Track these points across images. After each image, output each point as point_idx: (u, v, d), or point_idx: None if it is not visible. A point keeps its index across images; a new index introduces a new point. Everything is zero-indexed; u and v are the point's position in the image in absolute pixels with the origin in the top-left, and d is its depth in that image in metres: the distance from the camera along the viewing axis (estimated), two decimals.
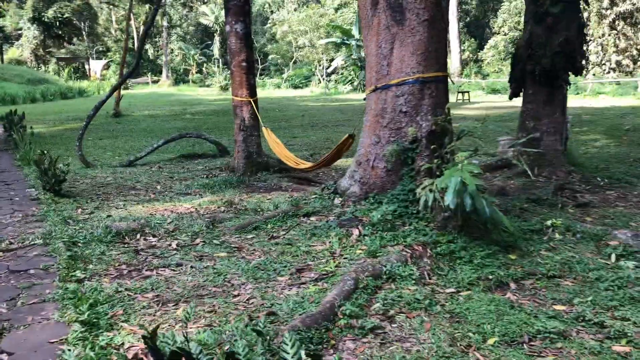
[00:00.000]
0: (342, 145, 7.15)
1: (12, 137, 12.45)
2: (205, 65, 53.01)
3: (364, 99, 6.56)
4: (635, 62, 30.37)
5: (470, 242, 5.09)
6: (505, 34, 38.75)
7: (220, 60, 50.97)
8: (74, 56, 52.68)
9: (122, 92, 20.99)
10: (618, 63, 30.25)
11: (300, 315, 3.61)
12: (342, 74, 41.39)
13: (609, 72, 30.18)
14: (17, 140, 11.51)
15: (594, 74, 29.79)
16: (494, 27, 41.24)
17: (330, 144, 12.78)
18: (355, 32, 37.10)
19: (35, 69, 47.40)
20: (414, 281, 4.35)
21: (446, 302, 4.06)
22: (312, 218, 5.97)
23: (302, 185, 8.51)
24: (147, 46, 54.66)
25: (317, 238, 5.37)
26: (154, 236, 5.49)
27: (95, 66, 51.38)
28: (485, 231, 5.28)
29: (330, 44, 41.67)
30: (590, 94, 26.49)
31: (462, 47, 38.16)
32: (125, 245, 5.22)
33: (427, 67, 5.78)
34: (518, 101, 9.54)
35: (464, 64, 37.27)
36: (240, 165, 9.22)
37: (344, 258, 4.84)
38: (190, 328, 3.46)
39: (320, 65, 45.13)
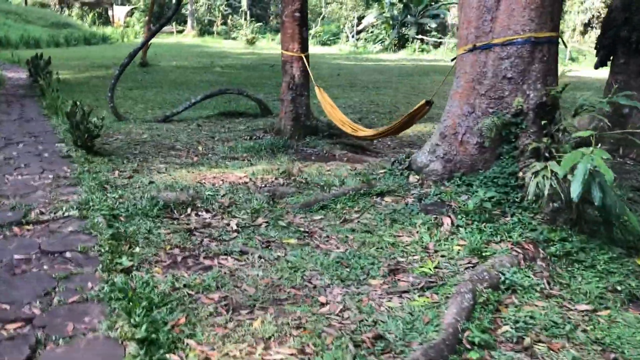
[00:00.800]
0: (415, 112, 6.20)
1: (38, 82, 11.60)
2: (230, 17, 51.50)
3: (453, 60, 5.59)
4: None
5: (586, 241, 4.21)
6: None
7: (248, 12, 49.46)
8: (97, 1, 51.39)
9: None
10: None
11: (416, 342, 2.77)
12: (372, 32, 39.80)
13: None
14: (44, 87, 10.66)
15: None
16: None
17: (377, 107, 11.81)
18: None
19: (59, 12, 46.28)
20: (538, 294, 3.49)
21: (586, 325, 3.20)
22: (387, 199, 5.09)
23: (357, 154, 7.60)
24: None
25: (400, 226, 4.50)
26: (207, 211, 4.66)
27: (118, 12, 50.07)
28: (604, 228, 4.38)
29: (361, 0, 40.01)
30: None
31: None
32: (176, 222, 4.39)
33: (541, 25, 4.77)
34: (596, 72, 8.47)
35: None
36: (287, 128, 8.31)
37: (441, 256, 3.97)
38: (278, 354, 2.64)
39: (349, 23, 43.51)
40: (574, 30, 31.25)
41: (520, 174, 4.75)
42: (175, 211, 4.59)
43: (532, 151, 4.74)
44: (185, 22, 51.21)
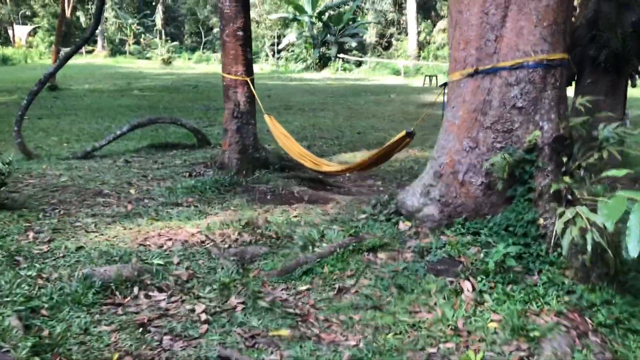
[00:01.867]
0: (394, 145, 5.38)
1: None
2: (143, 36, 49.34)
3: (442, 86, 4.82)
4: None
5: (633, 302, 3.50)
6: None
7: (163, 31, 47.58)
8: None
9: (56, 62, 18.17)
10: None
11: None
12: (293, 51, 39.23)
13: None
14: None
15: None
16: (442, 11, 39.89)
17: (320, 131, 10.96)
18: (307, 7, 35.04)
19: None
20: None
21: None
22: (381, 255, 4.19)
23: (318, 191, 6.68)
24: (79, 13, 50.34)
25: (411, 296, 3.60)
26: (160, 290, 3.56)
27: (20, 32, 46.69)
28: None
29: (279, 19, 39.40)
30: None
31: (418, 28, 36.80)
32: (120, 311, 3.27)
33: (554, 45, 4.09)
34: None
35: (420, 45, 35.93)
36: (234, 162, 7.26)
37: (479, 340, 3.10)
38: None
39: (268, 42, 42.76)
40: None
41: (541, 221, 4.00)
42: (117, 293, 3.46)
43: (553, 194, 4.00)
44: (95, 42, 48.57)
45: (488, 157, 4.20)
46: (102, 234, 4.60)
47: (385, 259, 4.13)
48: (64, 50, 15.61)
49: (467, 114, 4.29)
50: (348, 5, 37.30)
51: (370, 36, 40.64)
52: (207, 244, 4.36)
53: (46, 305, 3.21)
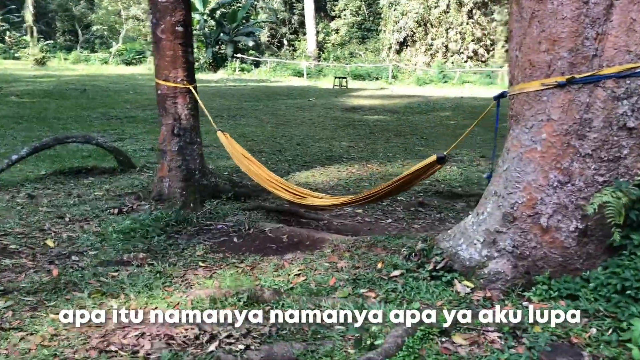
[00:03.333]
0: (419, 173, 4.17)
1: None
2: (8, 33, 44.31)
3: (499, 97, 3.75)
4: (488, 52, 30.89)
5: None
6: (346, 18, 37.13)
7: (35, 27, 42.97)
8: None
9: None
10: (475, 52, 30.49)
11: None
12: None
13: (466, 61, 30.30)
14: None
15: (452, 62, 29.66)
16: (333, 10, 39.43)
17: (255, 144, 9.54)
18: (198, 4, 33.08)
19: None
20: None
21: None
22: (458, 339, 2.98)
23: (293, 225, 5.34)
24: None
25: None
26: None
27: None
28: None
29: None
30: (457, 82, 26.06)
31: (317, 28, 36.09)
32: None
33: None
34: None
35: (320, 46, 35.24)
36: (177, 192, 5.71)
37: None
38: None
39: None
40: (389, 48, 32.01)
41: None
42: None
43: None
44: None
45: (586, 194, 3.14)
46: (29, 335, 2.97)
47: (469, 347, 2.92)
48: None
49: (556, 138, 3.20)
50: (241, 3, 35.77)
51: (264, 35, 39.38)
52: (208, 342, 2.90)
53: None
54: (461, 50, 30.34)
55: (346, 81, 23.26)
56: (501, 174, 3.48)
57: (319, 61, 32.80)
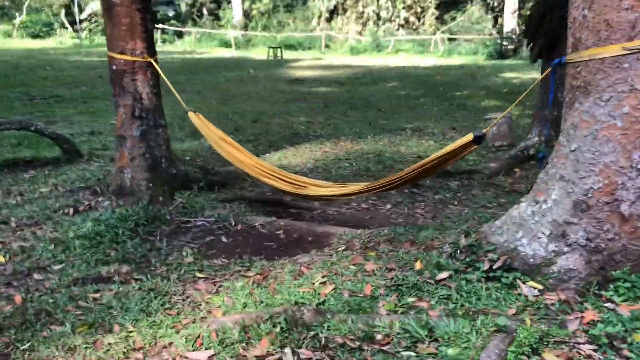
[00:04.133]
0: (454, 153, 3.59)
1: None
2: None
3: (553, 65, 3.23)
4: (419, 19, 30.79)
5: None
6: None
7: None
8: None
9: None
10: (406, 19, 30.30)
11: None
12: (97, 22, 34.47)
13: (398, 29, 30.06)
14: None
15: (384, 30, 29.31)
16: None
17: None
18: None
19: None
20: None
21: None
22: (550, 356, 2.48)
23: (280, 216, 4.70)
24: None
25: None
26: None
27: None
28: None
29: None
30: (391, 51, 25.78)
31: None
32: None
33: None
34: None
35: (247, 15, 33.81)
36: (142, 185, 4.90)
37: None
38: None
39: (63, 10, 37.18)
40: (319, 17, 31.24)
41: None
42: None
43: None
44: None
45: None
46: None
47: None
48: None
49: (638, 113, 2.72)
50: None
51: (184, 4, 37.45)
52: None
53: None
54: (392, 18, 30.04)
55: (281, 51, 22.37)
56: (567, 155, 2.98)
57: (246, 31, 31.55)
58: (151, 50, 5.00)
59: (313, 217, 4.82)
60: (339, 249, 3.81)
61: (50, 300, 3.12)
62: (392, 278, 3.22)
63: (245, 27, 32.25)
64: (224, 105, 10.43)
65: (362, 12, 30.24)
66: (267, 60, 21.17)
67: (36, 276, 3.48)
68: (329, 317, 2.73)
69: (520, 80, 15.29)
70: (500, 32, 27.89)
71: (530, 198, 3.16)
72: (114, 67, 4.93)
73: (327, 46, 27.59)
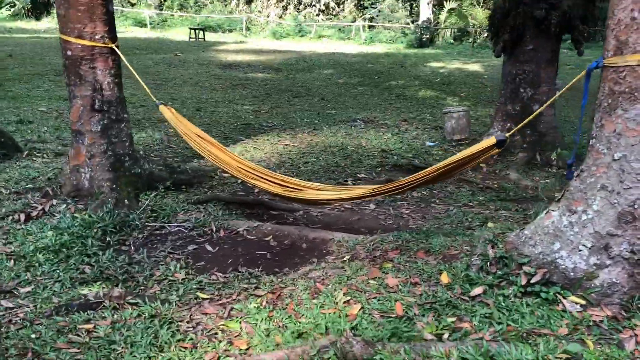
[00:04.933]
0: (472, 158, 3.37)
1: None
2: None
3: (590, 70, 3.08)
4: (339, 5, 30.66)
5: None
6: None
7: None
8: None
9: None
10: (326, 5, 30.06)
11: None
12: None
13: (318, 14, 29.78)
14: None
15: (304, 15, 28.91)
16: None
17: (144, 111, 8.04)
18: None
19: None
20: None
21: None
22: None
23: (261, 219, 4.35)
24: None
25: None
26: None
27: None
28: None
29: None
30: (314, 37, 25.50)
31: None
32: None
33: None
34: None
35: None
36: (104, 185, 4.35)
37: None
38: None
39: None
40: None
41: None
42: None
43: None
44: None
45: None
46: None
47: None
48: None
49: None
50: None
51: None
52: None
53: None
54: (313, 3, 29.70)
55: (203, 33, 21.44)
56: (610, 165, 2.85)
57: (161, 10, 30.03)
58: (113, 34, 4.43)
59: (297, 219, 4.49)
60: (345, 258, 3.53)
61: (33, 335, 2.62)
62: (421, 294, 2.99)
63: (160, 6, 30.70)
64: (157, 91, 9.72)
65: None
66: (189, 42, 20.23)
67: (4, 303, 2.93)
68: (379, 348, 2.45)
69: (447, 70, 15.54)
70: (414, 21, 28.42)
71: (564, 207, 3.02)
72: (69, 52, 4.31)
73: (248, 29, 26.84)
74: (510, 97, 6.53)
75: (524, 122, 3.41)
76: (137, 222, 4.13)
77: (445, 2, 28.12)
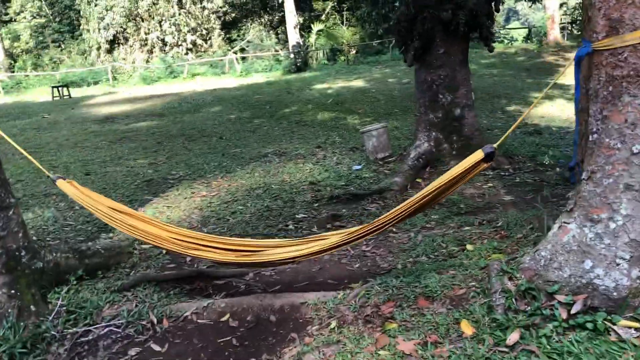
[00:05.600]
0: (461, 175, 2.88)
1: None
2: None
3: (580, 56, 2.72)
4: (206, 41, 29.97)
5: None
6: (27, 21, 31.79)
7: None
8: None
9: None
10: (193, 43, 29.23)
11: None
12: None
13: (187, 53, 28.84)
14: None
15: (172, 56, 27.86)
16: (7, 14, 33.29)
17: (23, 187, 6.89)
18: None
19: None
20: None
21: None
22: None
23: (207, 293, 3.59)
24: None
25: None
26: None
27: None
28: None
29: None
30: (188, 76, 24.58)
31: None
32: None
33: None
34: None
35: (10, 54, 29.59)
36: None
37: None
38: None
39: None
40: (99, 48, 28.71)
41: None
42: None
43: None
44: None
45: None
46: None
47: None
48: None
49: None
50: None
51: None
52: None
53: None
54: (179, 43, 28.75)
55: (67, 90, 19.78)
56: (630, 160, 2.48)
57: (12, 72, 27.62)
58: None
59: (250, 286, 3.76)
60: (332, 326, 2.90)
61: None
62: (449, 357, 2.43)
63: (11, 68, 28.23)
64: (35, 159, 8.48)
65: (146, 39, 28.44)
66: (53, 101, 18.54)
67: None
68: None
69: (334, 90, 15.39)
70: (284, 47, 28.43)
71: (582, 217, 2.60)
72: None
73: (114, 78, 25.31)
74: (429, 106, 6.25)
75: (510, 130, 2.97)
76: (54, 332, 3.22)
77: (312, 25, 28.44)
